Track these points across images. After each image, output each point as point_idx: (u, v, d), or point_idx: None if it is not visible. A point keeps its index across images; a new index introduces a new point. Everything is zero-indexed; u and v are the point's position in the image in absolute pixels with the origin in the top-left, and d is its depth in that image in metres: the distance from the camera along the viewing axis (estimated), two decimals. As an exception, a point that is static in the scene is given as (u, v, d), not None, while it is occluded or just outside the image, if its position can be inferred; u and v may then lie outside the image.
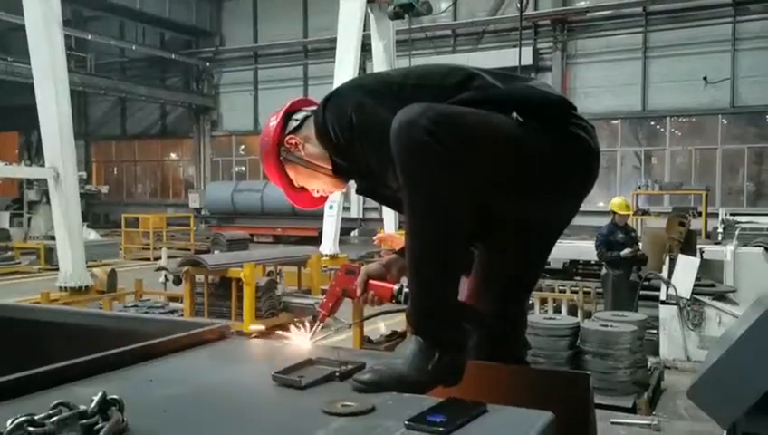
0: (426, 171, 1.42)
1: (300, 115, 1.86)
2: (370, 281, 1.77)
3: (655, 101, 20.15)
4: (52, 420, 1.02)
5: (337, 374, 1.42)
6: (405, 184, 1.45)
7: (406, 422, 1.14)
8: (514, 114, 1.58)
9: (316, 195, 1.93)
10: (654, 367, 6.47)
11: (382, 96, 1.66)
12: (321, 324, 1.77)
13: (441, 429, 1.11)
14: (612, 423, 5.16)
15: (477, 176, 1.48)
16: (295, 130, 1.84)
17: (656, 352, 7.06)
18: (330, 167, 1.81)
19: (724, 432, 2.23)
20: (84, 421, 1.04)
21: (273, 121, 1.86)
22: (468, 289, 1.76)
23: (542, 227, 1.77)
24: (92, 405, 1.07)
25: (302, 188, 1.92)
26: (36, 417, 1.02)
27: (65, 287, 8.83)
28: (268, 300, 8.36)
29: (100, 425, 1.05)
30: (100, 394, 1.08)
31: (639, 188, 17.99)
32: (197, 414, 1.23)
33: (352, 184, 1.95)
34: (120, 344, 1.62)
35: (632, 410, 5.55)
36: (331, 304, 1.82)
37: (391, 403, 1.27)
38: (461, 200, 1.45)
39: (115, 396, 1.11)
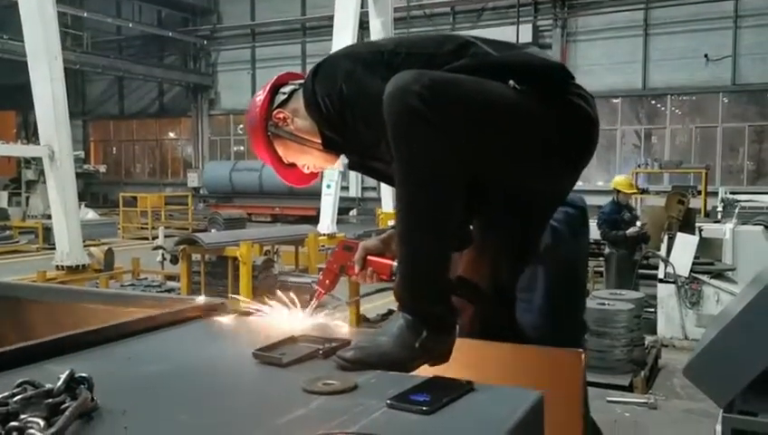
0: (418, 140, 1.37)
1: (287, 88, 1.80)
2: (369, 257, 1.71)
3: (655, 78, 20.00)
4: (15, 399, 0.97)
5: (320, 352, 1.37)
6: (396, 153, 1.39)
7: (387, 401, 1.09)
8: (512, 82, 1.52)
9: (306, 171, 1.87)
10: (651, 345, 6.46)
11: (374, 65, 1.59)
12: (318, 302, 1.72)
13: (424, 408, 1.07)
14: (608, 401, 5.15)
15: (472, 145, 1.43)
16: (283, 104, 1.77)
17: (653, 331, 7.05)
18: (319, 141, 1.75)
19: (721, 411, 2.20)
20: (50, 401, 1.00)
21: (260, 96, 1.80)
22: (463, 263, 1.70)
23: (539, 199, 1.71)
24: (59, 383, 1.02)
25: (293, 165, 1.86)
26: (-1, 396, 0.97)
27: (62, 266, 8.81)
28: (265, 279, 8.35)
29: (66, 404, 1.00)
30: (67, 372, 1.04)
31: (639, 166, 17.91)
32: (172, 393, 1.19)
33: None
34: (105, 322, 1.58)
35: (629, 389, 5.55)
36: (328, 282, 1.77)
37: (374, 381, 1.23)
38: (454, 171, 1.39)
39: (84, 374, 1.06)
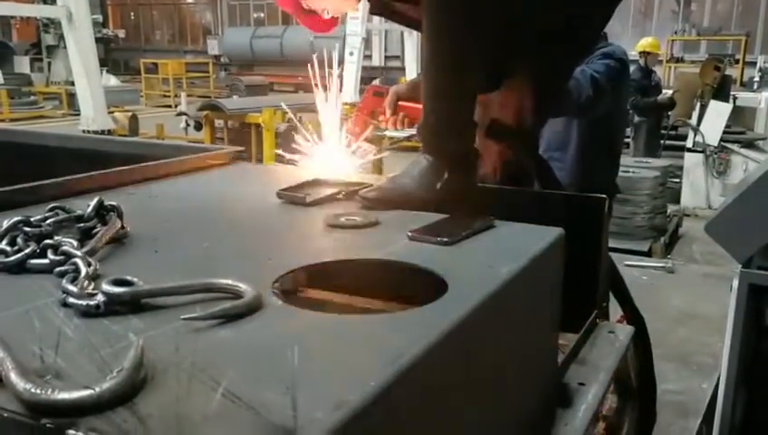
0: None
1: None
2: (400, 102, 1.69)
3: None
4: (48, 222, 1.00)
5: (342, 193, 1.39)
6: None
7: (408, 233, 1.11)
8: None
9: (326, 16, 1.81)
10: (673, 214, 6.46)
11: None
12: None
13: (445, 239, 1.08)
14: (626, 265, 5.21)
15: None
16: None
17: (677, 200, 7.02)
18: None
19: (739, 266, 2.21)
20: (81, 225, 1.03)
21: None
22: (494, 106, 1.65)
23: (576, 29, 1.62)
24: (89, 210, 1.04)
25: (313, 12, 1.80)
26: (32, 219, 1.00)
27: (88, 131, 8.89)
28: (288, 146, 8.35)
29: (97, 229, 1.03)
30: (96, 199, 1.06)
31: (676, 33, 17.07)
32: (200, 225, 1.22)
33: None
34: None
35: (647, 254, 5.60)
36: (358, 129, 1.75)
37: (396, 219, 1.24)
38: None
39: (113, 203, 1.09)
